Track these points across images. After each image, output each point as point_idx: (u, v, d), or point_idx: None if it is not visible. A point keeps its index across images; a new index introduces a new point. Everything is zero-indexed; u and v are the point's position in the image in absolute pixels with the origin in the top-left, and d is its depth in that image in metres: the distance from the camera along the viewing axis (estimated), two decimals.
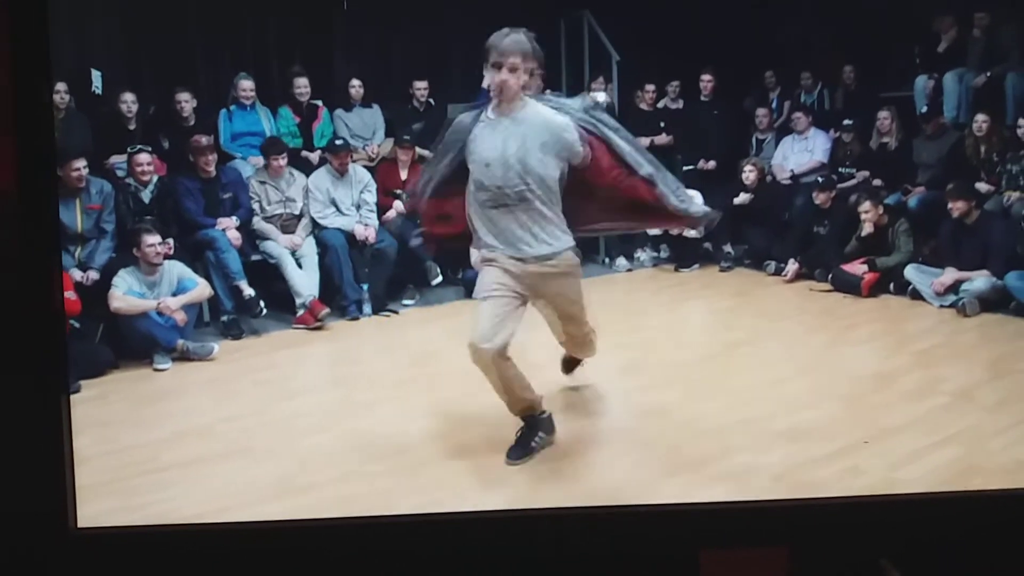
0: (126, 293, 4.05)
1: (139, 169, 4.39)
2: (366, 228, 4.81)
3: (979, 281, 4.46)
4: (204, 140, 4.63)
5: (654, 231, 5.26)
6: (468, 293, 4.90)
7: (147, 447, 3.19)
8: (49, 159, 2.41)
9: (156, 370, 4.01)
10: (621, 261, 5.36)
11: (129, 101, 4.63)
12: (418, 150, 5.17)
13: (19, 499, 2.43)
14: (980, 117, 4.90)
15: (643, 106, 5.73)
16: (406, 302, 4.85)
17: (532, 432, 3.06)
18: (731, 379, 3.60)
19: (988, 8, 5.04)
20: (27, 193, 2.35)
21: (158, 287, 4.13)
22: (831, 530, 2.60)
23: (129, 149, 4.44)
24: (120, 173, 4.47)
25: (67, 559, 2.49)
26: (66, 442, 2.46)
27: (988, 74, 5.09)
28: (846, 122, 5.39)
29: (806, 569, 2.48)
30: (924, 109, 5.22)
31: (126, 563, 2.54)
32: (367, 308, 4.70)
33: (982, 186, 4.81)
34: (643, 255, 5.40)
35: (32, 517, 2.44)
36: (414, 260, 4.94)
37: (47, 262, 2.44)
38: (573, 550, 2.54)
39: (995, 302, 4.41)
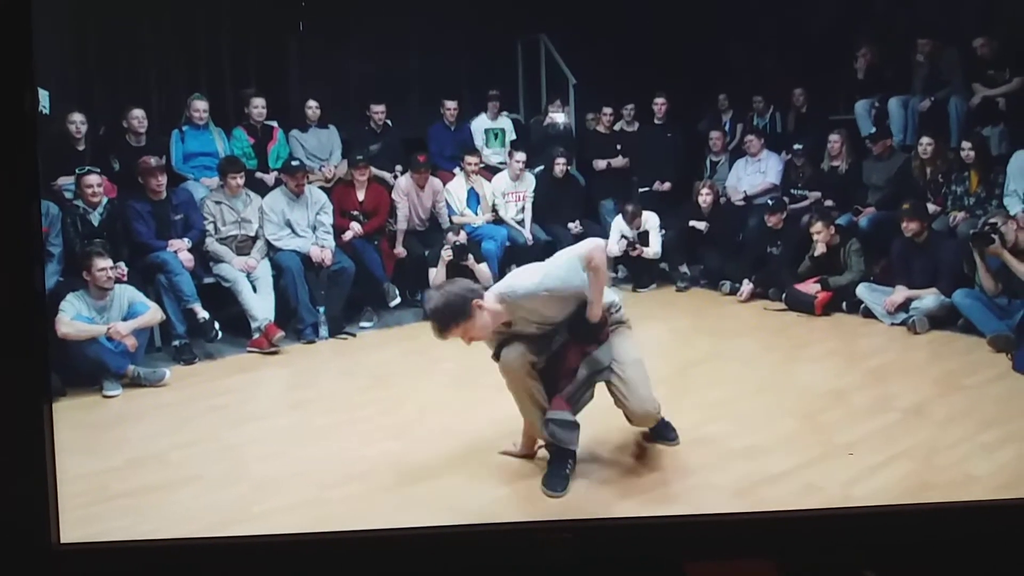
0: (74, 318, 3.94)
1: (88, 191, 4.29)
2: (322, 250, 4.77)
3: (928, 299, 4.56)
4: (153, 161, 4.55)
5: (613, 252, 5.31)
6: (426, 315, 4.88)
7: (97, 476, 3.10)
8: (32, 170, 2.37)
9: (106, 397, 3.91)
10: None
11: (78, 121, 4.53)
12: (373, 170, 5.17)
13: (1, 514, 2.41)
14: (925, 140, 5.03)
15: (600, 129, 5.80)
16: (364, 324, 4.81)
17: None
18: (688, 397, 3.62)
19: (931, 35, 5.20)
20: (9, 206, 2.33)
21: (108, 312, 4.04)
22: (815, 542, 2.63)
23: (78, 170, 4.34)
24: (68, 195, 4.37)
25: (50, 574, 2.47)
26: (48, 458, 2.44)
27: (932, 98, 5.24)
28: (796, 146, 5.50)
29: None
30: (872, 131, 5.34)
31: None
32: (324, 331, 4.65)
33: (929, 207, 4.93)
34: None
35: (15, 532, 2.42)
36: (372, 282, 4.91)
37: (30, 282, 2.41)
38: (557, 564, 2.54)
39: (944, 319, 4.51)
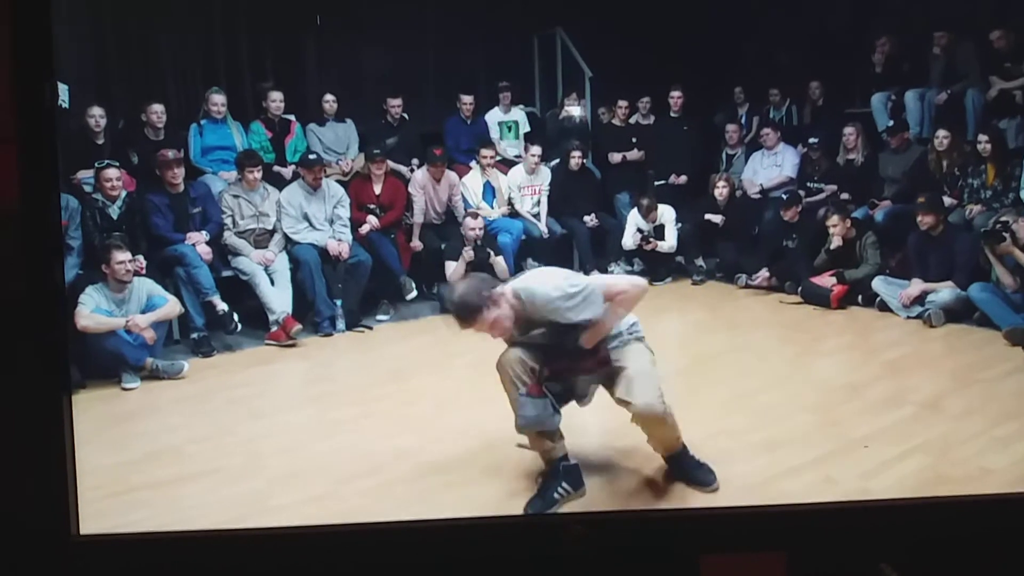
0: (93, 311, 3.97)
1: (107, 184, 4.32)
2: (339, 243, 4.79)
3: (944, 292, 4.55)
4: (171, 154, 4.58)
5: (628, 246, 5.33)
6: (443, 308, 4.90)
7: (115, 468, 3.12)
8: (52, 165, 2.40)
9: (124, 389, 3.95)
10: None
11: (97, 115, 4.57)
12: (390, 163, 5.19)
13: (21, 505, 2.44)
14: (941, 133, 5.01)
15: (615, 122, 5.80)
16: (380, 317, 4.84)
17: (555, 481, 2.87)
18: (704, 391, 3.63)
19: (947, 27, 5.16)
20: (29, 200, 2.36)
21: (126, 304, 4.07)
22: (831, 535, 2.64)
23: (97, 164, 4.38)
24: (87, 188, 4.41)
25: (69, 565, 2.50)
26: (68, 451, 2.46)
27: (949, 91, 5.20)
28: (812, 139, 5.48)
29: (807, 574, 2.51)
30: (890, 123, 5.32)
31: (128, 570, 2.56)
32: (341, 324, 4.68)
33: (946, 200, 4.90)
34: (616, 269, 5.44)
35: (34, 523, 2.45)
36: (388, 275, 4.93)
37: (51, 272, 2.44)
38: (573, 555, 2.55)
39: (960, 313, 4.50)
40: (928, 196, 4.79)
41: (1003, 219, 4.41)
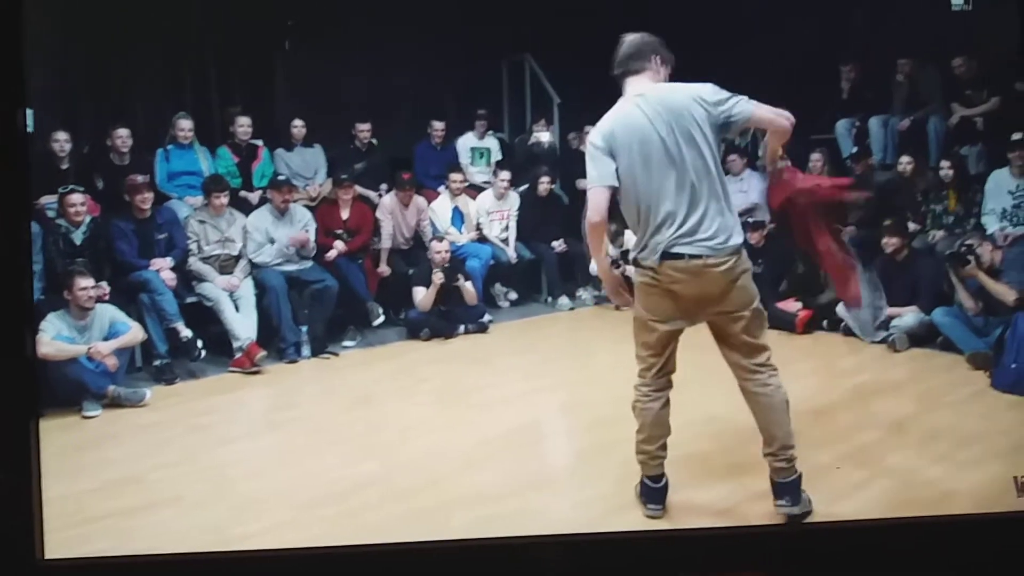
0: (55, 338, 3.92)
1: (72, 210, 4.27)
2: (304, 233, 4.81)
3: (908, 317, 4.60)
4: (140, 179, 4.56)
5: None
6: (410, 333, 4.88)
7: (76, 498, 3.06)
8: (22, 187, 2.38)
9: (85, 417, 3.89)
10: (563, 300, 5.40)
11: (62, 140, 4.52)
12: (358, 188, 5.18)
13: None
14: (904, 159, 5.09)
15: (583, 148, 5.82)
16: (346, 343, 4.80)
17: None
18: (673, 415, 3.62)
19: (911, 55, 5.27)
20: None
21: (88, 331, 4.01)
22: (809, 555, 2.64)
23: (60, 189, 4.33)
24: (50, 214, 4.35)
25: None
26: (34, 474, 2.44)
27: (912, 118, 5.30)
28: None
29: None
30: (854, 150, 5.40)
31: None
32: (306, 350, 4.64)
33: (909, 225, 4.98)
34: (585, 294, 5.45)
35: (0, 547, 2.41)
36: (355, 300, 4.90)
37: (20, 300, 2.41)
38: None
39: (923, 337, 4.55)
40: (894, 219, 4.86)
41: (968, 242, 4.48)
